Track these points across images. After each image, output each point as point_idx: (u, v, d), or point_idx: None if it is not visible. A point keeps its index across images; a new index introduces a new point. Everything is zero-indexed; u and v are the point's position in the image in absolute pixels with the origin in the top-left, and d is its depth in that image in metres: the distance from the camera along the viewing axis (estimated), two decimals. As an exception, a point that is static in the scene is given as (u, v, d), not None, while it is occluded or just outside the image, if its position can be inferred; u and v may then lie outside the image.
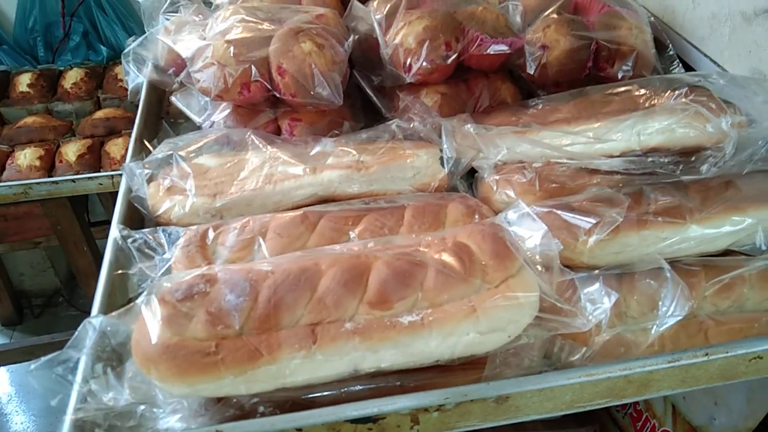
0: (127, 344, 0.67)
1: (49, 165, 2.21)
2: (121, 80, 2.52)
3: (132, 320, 0.67)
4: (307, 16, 1.13)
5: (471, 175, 1.05)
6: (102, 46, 2.76)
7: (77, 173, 2.18)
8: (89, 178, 2.15)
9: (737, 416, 1.21)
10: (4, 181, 2.12)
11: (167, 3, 1.26)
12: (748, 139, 0.90)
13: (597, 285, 0.74)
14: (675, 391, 0.78)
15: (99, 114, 2.41)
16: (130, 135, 1.01)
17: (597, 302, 0.72)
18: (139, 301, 0.67)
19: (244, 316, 0.66)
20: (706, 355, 0.74)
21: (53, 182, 2.13)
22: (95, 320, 0.67)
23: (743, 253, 0.86)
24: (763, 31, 1.07)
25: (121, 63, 2.63)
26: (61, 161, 2.20)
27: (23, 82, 2.48)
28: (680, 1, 1.28)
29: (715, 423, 1.28)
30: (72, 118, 2.48)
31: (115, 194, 0.92)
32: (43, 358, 0.63)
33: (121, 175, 0.92)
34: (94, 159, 2.24)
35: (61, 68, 2.60)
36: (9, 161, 2.20)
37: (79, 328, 0.65)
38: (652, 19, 1.26)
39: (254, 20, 1.09)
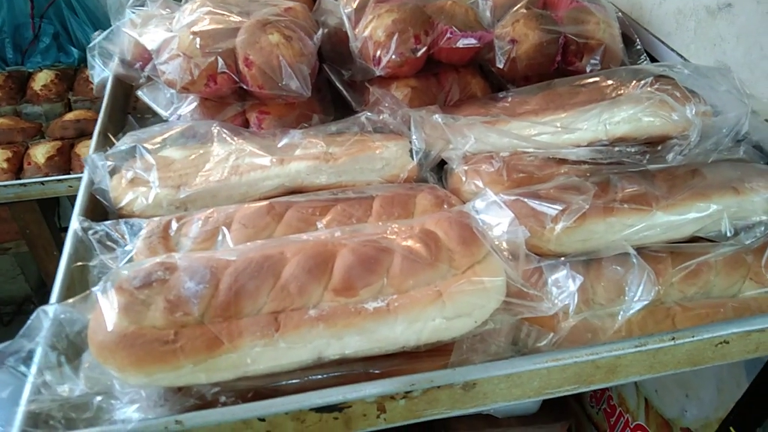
0: (83, 334, 0.65)
1: (17, 167, 2.16)
2: (93, 82, 2.49)
3: (88, 309, 0.65)
4: (275, 8, 1.12)
5: (441, 167, 1.04)
6: (73, 48, 2.72)
7: (46, 175, 2.14)
8: (58, 180, 2.11)
9: (708, 407, 1.21)
10: (-29, 184, 2.08)
11: (134, -5, 1.24)
12: (712, 128, 0.91)
13: (563, 270, 0.74)
14: (644, 376, 0.78)
15: (69, 116, 2.37)
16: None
17: (563, 287, 0.72)
18: (95, 289, 0.65)
19: (204, 303, 0.65)
20: (673, 339, 0.74)
21: (21, 185, 2.08)
22: (50, 308, 0.64)
23: (709, 239, 0.87)
24: (727, 25, 1.08)
25: (92, 65, 2.57)
26: (29, 163, 2.16)
27: (-9, 83, 2.44)
28: (647, -3, 1.30)
29: (687, 415, 1.29)
30: (41, 120, 2.43)
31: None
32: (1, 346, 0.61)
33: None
34: (64, 161, 2.20)
35: (31, 70, 2.56)
36: (-25, 163, 2.15)
37: (32, 317, 0.63)
38: (620, 14, 1.27)
39: (222, 12, 1.08)
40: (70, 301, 0.66)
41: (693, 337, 0.74)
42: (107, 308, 0.62)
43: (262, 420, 0.65)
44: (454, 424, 1.35)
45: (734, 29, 1.07)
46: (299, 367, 0.66)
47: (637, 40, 1.24)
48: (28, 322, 0.63)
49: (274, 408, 0.64)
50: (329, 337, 0.66)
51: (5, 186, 2.07)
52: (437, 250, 0.72)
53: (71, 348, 0.65)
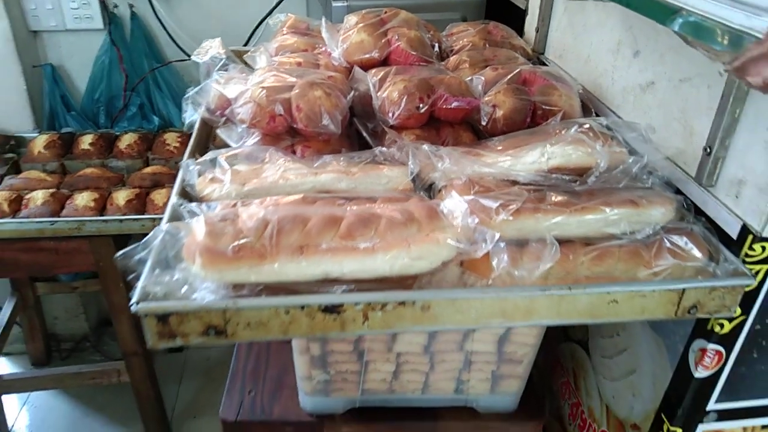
0: (180, 247, 1.02)
1: (101, 207, 2.59)
2: (168, 144, 2.97)
3: (186, 232, 1.03)
4: (321, 75, 1.56)
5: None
6: (154, 116, 3.25)
7: (125, 215, 2.57)
8: (134, 219, 2.53)
9: (647, 401, 1.48)
10: (63, 217, 2.52)
11: (220, 64, 1.71)
12: (621, 161, 1.27)
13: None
14: (555, 321, 1.09)
15: (147, 170, 2.84)
16: (172, 187, 1.31)
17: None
18: (190, 220, 1.04)
19: (258, 234, 1.02)
20: (569, 288, 1.06)
21: (103, 221, 2.50)
22: (164, 226, 1.03)
23: (614, 236, 1.20)
24: (652, 98, 1.46)
25: (169, 131, 3.09)
26: (111, 204, 2.59)
27: (86, 141, 2.93)
28: (604, 79, 1.70)
29: (634, 412, 1.55)
30: (124, 173, 2.90)
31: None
32: (126, 249, 0.99)
33: (161, 218, 1.19)
34: (141, 205, 2.63)
35: (118, 132, 3.05)
36: (68, 202, 2.60)
37: (152, 232, 1.02)
38: (581, 90, 1.66)
39: (283, 76, 1.52)
40: (176, 223, 1.05)
41: (585, 289, 1.06)
42: (198, 230, 1.01)
43: (286, 312, 1.00)
44: (442, 413, 1.64)
45: (656, 101, 1.44)
46: (313, 279, 1.02)
47: (593, 109, 1.63)
48: (149, 235, 1.02)
49: (295, 301, 0.99)
50: (334, 263, 1.02)
51: (90, 221, 2.49)
52: (410, 219, 1.08)
53: (172, 256, 1.03)
